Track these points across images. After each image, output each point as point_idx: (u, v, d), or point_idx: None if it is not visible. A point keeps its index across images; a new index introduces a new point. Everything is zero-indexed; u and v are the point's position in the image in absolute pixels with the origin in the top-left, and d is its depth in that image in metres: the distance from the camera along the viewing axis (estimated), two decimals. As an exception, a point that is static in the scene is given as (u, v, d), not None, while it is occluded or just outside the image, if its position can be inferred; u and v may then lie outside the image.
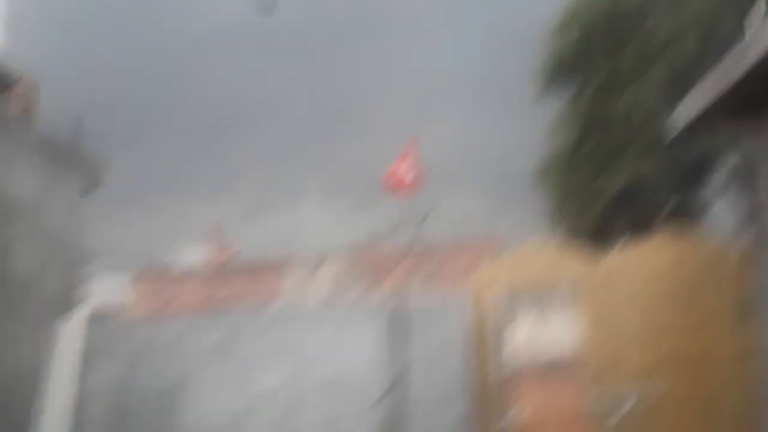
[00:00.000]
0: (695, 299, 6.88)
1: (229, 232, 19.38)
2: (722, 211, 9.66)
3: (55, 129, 9.24)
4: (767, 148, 5.16)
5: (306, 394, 8.15)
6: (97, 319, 11.60)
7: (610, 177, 9.79)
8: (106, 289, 15.29)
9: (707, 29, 9.22)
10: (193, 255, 18.85)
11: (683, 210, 9.87)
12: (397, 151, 9.47)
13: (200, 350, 8.56)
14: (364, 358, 7.99)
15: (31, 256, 8.33)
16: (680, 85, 9.12)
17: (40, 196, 8.58)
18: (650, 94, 9.30)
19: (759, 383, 6.02)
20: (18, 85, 8.91)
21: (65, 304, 8.87)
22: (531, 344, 7.23)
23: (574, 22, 10.40)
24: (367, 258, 15.19)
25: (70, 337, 8.38)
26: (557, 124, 11.11)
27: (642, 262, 6.97)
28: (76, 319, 8.56)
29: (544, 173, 11.45)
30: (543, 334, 7.31)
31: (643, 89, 9.33)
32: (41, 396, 8.07)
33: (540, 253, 7.27)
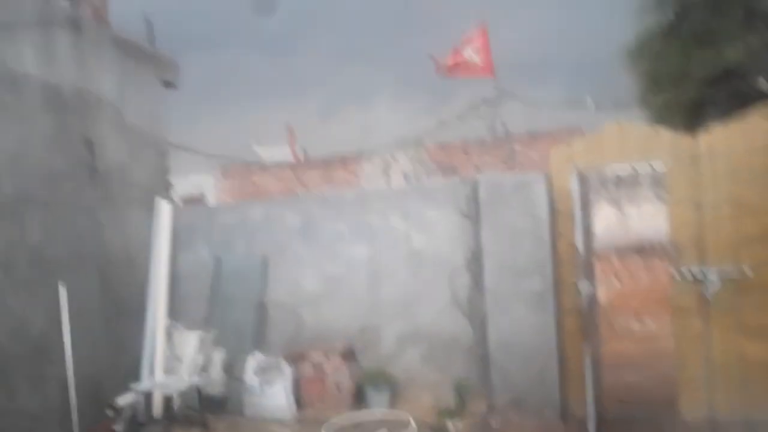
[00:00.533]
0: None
1: (301, 134, 19.60)
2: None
3: (128, 30, 9.40)
4: None
5: (388, 268, 8.43)
6: (187, 205, 12.23)
7: (711, 54, 9.05)
8: (191, 181, 16.04)
9: None
10: (271, 153, 19.28)
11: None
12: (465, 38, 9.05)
13: (287, 229, 8.91)
14: (444, 234, 8.12)
15: (119, 148, 8.71)
16: None
17: (120, 92, 8.86)
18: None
19: None
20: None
21: (155, 191, 9.33)
22: (616, 223, 7.09)
23: None
24: (441, 151, 15.05)
25: (163, 221, 8.87)
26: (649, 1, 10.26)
27: (733, 141, 6.56)
28: (168, 204, 9.02)
29: (633, 54, 10.69)
30: (628, 213, 7.13)
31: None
32: (141, 274, 8.70)
33: (626, 132, 6.94)
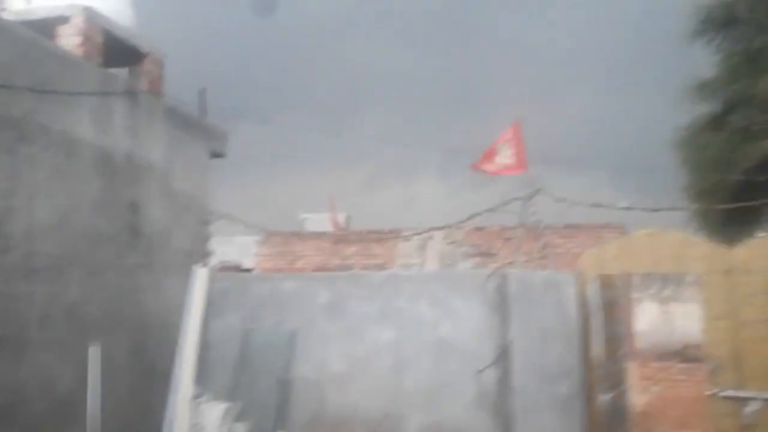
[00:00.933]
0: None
1: (346, 202, 20.02)
2: None
3: (180, 101, 10.00)
4: None
5: (414, 355, 8.35)
6: (223, 273, 12.49)
7: (752, 150, 9.05)
8: (234, 244, 16.43)
9: None
10: (312, 223, 19.65)
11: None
12: (501, 132, 9.34)
13: (316, 305, 8.97)
14: (471, 326, 8.04)
15: (162, 214, 9.07)
16: None
17: (169, 160, 9.30)
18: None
19: None
20: (146, 59, 9.72)
21: (194, 258, 9.59)
22: (649, 329, 6.92)
23: None
24: (477, 234, 15.08)
25: (198, 288, 9.07)
26: (693, 94, 10.36)
27: None
28: (204, 272, 9.24)
29: (676, 147, 10.71)
30: (662, 320, 6.96)
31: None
32: (174, 338, 8.85)
33: (658, 240, 6.92)
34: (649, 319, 7.52)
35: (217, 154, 10.50)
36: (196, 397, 8.34)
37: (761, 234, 7.14)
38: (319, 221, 19.50)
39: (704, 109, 10.60)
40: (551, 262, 11.16)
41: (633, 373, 7.10)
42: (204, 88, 10.34)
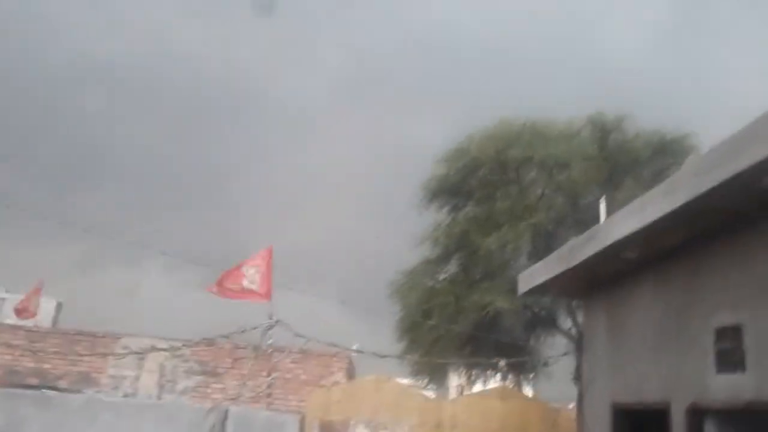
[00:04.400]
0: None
1: (57, 286, 17.28)
2: (560, 370, 10.10)
3: None
4: (593, 326, 5.51)
5: None
6: None
7: (471, 305, 10.07)
8: None
9: (575, 197, 10.20)
10: (10, 305, 16.47)
11: (525, 359, 10.22)
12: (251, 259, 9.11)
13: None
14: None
15: None
16: (544, 239, 9.91)
17: None
18: (516, 241, 9.85)
19: None
20: None
21: None
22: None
23: (464, 156, 11.13)
24: (206, 350, 13.95)
25: None
26: (426, 238, 11.52)
27: (472, 414, 6.98)
28: None
29: (402, 286, 11.60)
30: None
31: (511, 234, 9.85)
32: None
33: (382, 387, 7.05)
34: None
35: None
36: None
37: (470, 392, 7.70)
38: (15, 304, 16.42)
39: (429, 258, 11.88)
40: (279, 390, 10.70)
41: None
42: None
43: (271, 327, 7.97)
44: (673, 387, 4.32)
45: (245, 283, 8.49)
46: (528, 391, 10.71)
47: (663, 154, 10.51)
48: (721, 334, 3.92)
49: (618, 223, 4.34)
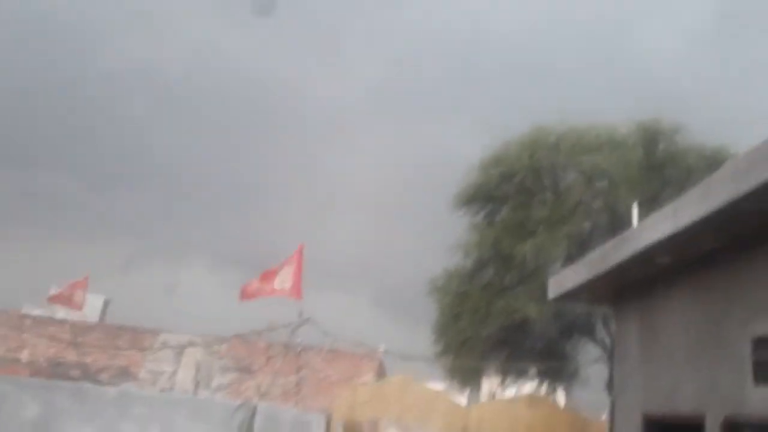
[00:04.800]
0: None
1: (102, 283, 17.77)
2: (592, 378, 9.88)
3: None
4: (625, 334, 5.35)
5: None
6: None
7: (500, 310, 9.98)
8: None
9: (613, 202, 9.91)
10: (55, 307, 17.03)
11: (554, 365, 10.04)
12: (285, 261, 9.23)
13: (18, 419, 7.32)
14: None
15: None
16: (581, 245, 9.69)
17: None
18: (551, 248, 9.68)
19: None
20: None
21: None
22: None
23: (500, 163, 11.06)
24: (241, 347, 14.17)
25: None
26: (461, 244, 11.51)
27: (498, 420, 6.87)
28: None
29: (438, 288, 11.63)
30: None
31: (547, 241, 9.69)
32: None
33: (408, 389, 7.00)
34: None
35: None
36: None
37: (503, 397, 7.62)
38: (61, 304, 16.91)
39: (463, 264, 11.85)
40: (309, 388, 10.76)
41: None
42: None
43: (301, 325, 8.02)
44: (707, 398, 4.14)
45: (277, 282, 8.57)
46: (561, 399, 10.50)
47: (717, 168, 10.05)
48: (760, 343, 3.74)
49: (650, 227, 4.19)
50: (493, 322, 10.00)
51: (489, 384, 12.97)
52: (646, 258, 4.34)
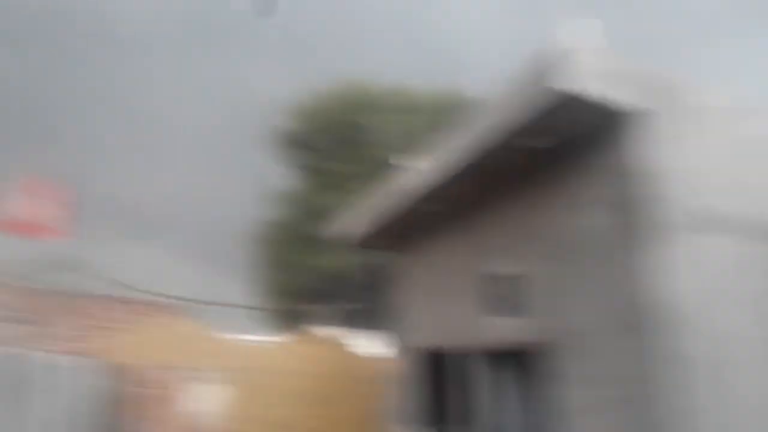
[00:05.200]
0: (341, 400, 7.12)
1: None
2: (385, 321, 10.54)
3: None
4: (405, 277, 5.80)
5: None
6: None
7: (314, 262, 10.30)
8: None
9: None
10: None
11: (358, 312, 10.55)
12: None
13: None
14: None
15: None
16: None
17: None
18: (353, 201, 10.08)
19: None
20: None
21: None
22: (180, 414, 6.61)
23: (317, 114, 11.26)
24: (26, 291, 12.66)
25: None
26: (276, 195, 11.57)
27: (295, 356, 7.07)
28: None
29: (258, 240, 11.64)
30: (192, 405, 6.76)
31: (351, 195, 10.03)
32: None
33: (179, 333, 6.92)
34: (175, 405, 7.21)
35: None
36: None
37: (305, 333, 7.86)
38: None
39: (281, 214, 11.90)
40: (89, 335, 10.00)
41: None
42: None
43: (73, 269, 7.39)
44: (467, 330, 4.62)
45: (38, 217, 7.57)
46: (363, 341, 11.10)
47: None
48: (500, 281, 4.24)
49: (412, 179, 4.57)
50: (308, 273, 10.28)
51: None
52: (408, 206, 4.70)
